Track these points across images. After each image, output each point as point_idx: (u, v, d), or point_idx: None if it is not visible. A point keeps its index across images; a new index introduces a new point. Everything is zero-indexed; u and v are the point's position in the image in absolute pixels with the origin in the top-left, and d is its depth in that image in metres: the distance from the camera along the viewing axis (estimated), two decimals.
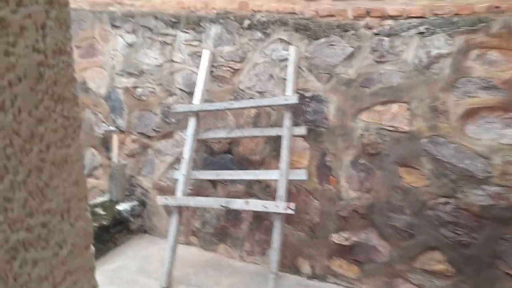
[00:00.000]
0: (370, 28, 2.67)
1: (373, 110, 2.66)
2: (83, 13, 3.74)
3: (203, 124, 3.20)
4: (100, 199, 3.59)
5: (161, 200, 2.87)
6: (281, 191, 2.63)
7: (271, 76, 2.95)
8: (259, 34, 2.96)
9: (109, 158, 3.63)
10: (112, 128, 3.46)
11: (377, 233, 2.70)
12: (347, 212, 2.78)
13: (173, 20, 3.29)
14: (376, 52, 2.64)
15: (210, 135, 3.06)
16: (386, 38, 2.61)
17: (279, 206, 2.54)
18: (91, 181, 3.86)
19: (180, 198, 2.84)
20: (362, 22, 2.69)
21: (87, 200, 0.86)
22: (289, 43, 2.87)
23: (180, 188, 2.91)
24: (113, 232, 3.30)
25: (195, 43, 3.22)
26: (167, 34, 3.32)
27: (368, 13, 2.67)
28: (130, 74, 3.51)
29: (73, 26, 3.82)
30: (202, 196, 3.30)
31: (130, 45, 3.50)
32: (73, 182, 0.80)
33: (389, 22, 2.62)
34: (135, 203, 3.52)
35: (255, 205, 2.61)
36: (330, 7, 2.77)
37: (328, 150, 2.82)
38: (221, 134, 3.01)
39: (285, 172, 2.67)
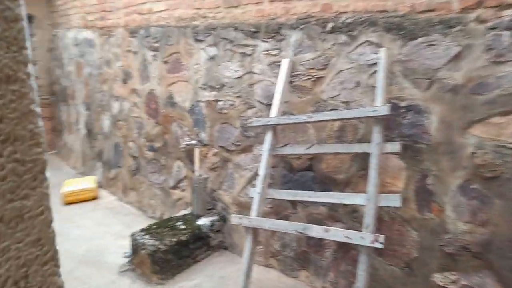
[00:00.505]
0: (483, 21, 2.14)
1: (489, 122, 2.12)
2: (169, 30, 3.81)
3: (282, 138, 2.95)
4: (182, 212, 3.58)
5: (235, 219, 2.69)
6: (369, 219, 2.24)
7: (358, 83, 2.58)
8: (344, 38, 2.62)
9: (193, 171, 3.60)
10: (193, 141, 3.42)
11: (495, 278, 2.13)
12: (454, 248, 2.25)
13: (253, 29, 3.12)
14: (492, 51, 2.09)
15: (288, 150, 2.79)
16: (505, 33, 2.06)
17: (365, 237, 2.15)
18: (177, 193, 3.89)
19: (254, 219, 2.62)
20: (472, 15, 2.17)
21: (57, 261, 0.67)
22: (379, 46, 2.47)
23: (254, 207, 2.70)
24: (192, 247, 3.23)
25: (275, 52, 3.00)
26: (246, 45, 3.17)
27: (480, 3, 2.15)
28: (212, 88, 3.44)
29: (160, 43, 3.93)
30: (281, 215, 3.05)
31: (212, 58, 3.43)
32: (33, 241, 0.62)
33: (510, 12, 2.06)
34: (215, 218, 3.42)
35: (336, 234, 2.26)
36: (429, 1, 2.31)
37: (429, 171, 2.33)
38: (300, 150, 2.73)
39: (373, 197, 2.27)
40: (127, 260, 3.24)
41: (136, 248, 3.12)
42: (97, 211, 4.39)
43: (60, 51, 6.41)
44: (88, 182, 4.80)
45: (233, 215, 2.72)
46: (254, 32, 3.13)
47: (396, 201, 2.26)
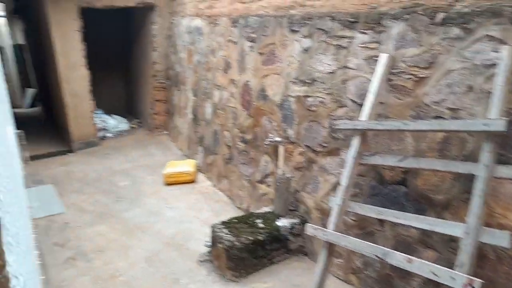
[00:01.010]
0: None
1: None
2: (267, 20, 3.68)
3: (374, 144, 2.61)
4: (264, 209, 3.50)
5: (310, 229, 2.48)
6: (464, 256, 1.83)
7: (470, 88, 2.10)
8: (456, 31, 2.15)
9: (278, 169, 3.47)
10: (277, 138, 3.28)
11: None
12: None
13: (351, 19, 2.79)
14: None
15: (378, 160, 2.45)
16: None
17: (456, 279, 1.77)
18: (263, 188, 3.82)
19: (330, 232, 2.39)
20: None
21: None
22: (502, 42, 1.96)
23: (332, 220, 2.45)
24: (269, 248, 3.13)
25: (373, 45, 2.63)
26: (343, 37, 2.86)
27: None
28: (303, 82, 3.23)
29: (257, 33, 3.82)
30: (365, 231, 2.74)
31: (306, 50, 3.20)
32: None
33: None
34: (296, 220, 3.25)
35: (421, 267, 1.91)
36: None
37: None
38: (391, 161, 2.37)
39: (473, 230, 1.84)
40: (207, 250, 3.31)
41: (214, 240, 3.15)
42: (191, 194, 4.59)
43: (176, 38, 6.82)
44: (188, 166, 5.05)
45: (309, 224, 2.52)
46: (352, 22, 2.80)
47: (504, 239, 1.80)
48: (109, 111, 8.06)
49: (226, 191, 4.52)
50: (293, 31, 3.33)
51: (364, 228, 2.75)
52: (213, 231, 3.18)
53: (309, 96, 3.16)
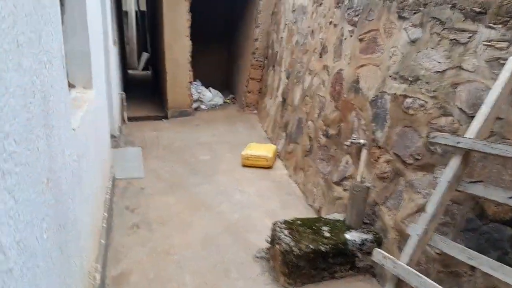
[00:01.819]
0: None
1: None
2: (373, 1, 3.19)
3: (479, 169, 2.07)
4: (335, 216, 3.14)
5: (378, 256, 2.09)
6: None
7: None
8: None
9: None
10: (361, 141, 2.85)
11: None
12: None
13: (477, 9, 2.21)
14: None
15: (480, 191, 1.93)
16: None
17: None
18: (338, 191, 3.44)
19: (402, 266, 1.97)
20: None
21: None
22: None
23: (408, 251, 2.02)
24: (331, 262, 2.79)
25: (501, 44, 2.05)
26: (462, 30, 2.29)
27: None
28: (403, 79, 2.73)
29: (361, 17, 3.36)
30: (450, 270, 2.24)
31: (413, 42, 2.68)
32: None
33: None
34: (368, 237, 2.84)
35: None
36: None
37: None
38: (499, 196, 1.83)
39: None
40: (265, 246, 3.09)
41: (273, 239, 2.91)
42: (264, 181, 4.40)
43: (280, 16, 6.55)
44: (267, 151, 4.86)
45: (378, 250, 2.13)
46: (478, 13, 2.22)
47: None
48: (207, 84, 8.22)
49: (300, 184, 4.23)
50: (402, 18, 2.81)
51: (449, 267, 2.24)
52: (273, 229, 2.94)
53: (408, 96, 2.66)
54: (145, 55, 12.24)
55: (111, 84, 4.92)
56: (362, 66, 3.28)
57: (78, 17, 2.69)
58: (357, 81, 3.32)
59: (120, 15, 10.39)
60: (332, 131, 3.68)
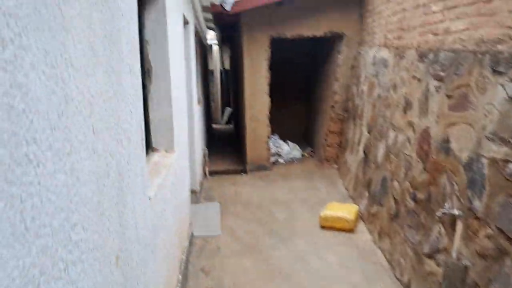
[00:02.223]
0: None
1: None
2: (463, 55, 2.94)
3: None
4: None
5: None
6: None
7: None
8: None
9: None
10: (455, 211, 2.51)
11: None
12: None
13: None
14: None
15: None
16: None
17: None
18: (431, 265, 3.04)
19: None
20: None
21: None
22: None
23: None
24: None
25: None
26: None
27: None
28: (503, 141, 2.39)
29: (448, 71, 3.11)
30: None
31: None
32: None
33: None
34: None
35: None
36: None
37: None
38: None
39: None
40: None
41: None
42: (346, 246, 4.10)
43: (360, 69, 6.45)
44: (348, 212, 4.58)
45: None
46: None
47: None
48: (285, 137, 8.26)
49: (386, 252, 3.85)
50: (497, 72, 2.53)
51: None
52: None
53: (511, 162, 2.31)
54: (228, 110, 12.87)
55: (193, 141, 5.15)
56: (452, 124, 2.98)
57: (163, 89, 2.88)
58: (447, 141, 3.01)
59: (206, 74, 11.18)
60: (420, 195, 3.34)
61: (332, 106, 7.14)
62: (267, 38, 6.66)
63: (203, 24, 7.67)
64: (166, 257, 2.56)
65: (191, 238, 4.12)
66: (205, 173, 6.58)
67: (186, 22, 4.73)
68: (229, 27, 8.11)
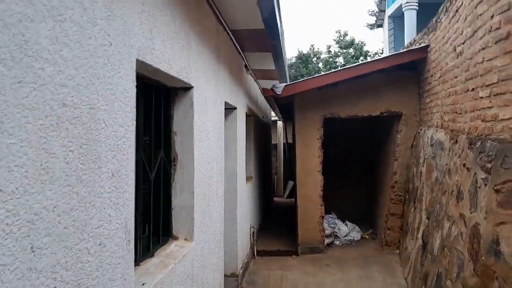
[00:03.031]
0: None
1: None
2: (509, 147, 2.62)
3: None
4: None
5: None
6: None
7: None
8: None
9: None
10: None
11: None
12: None
13: None
14: None
15: None
16: None
17: None
18: None
19: None
20: None
21: None
22: None
23: None
24: None
25: None
26: None
27: None
28: None
29: (495, 163, 2.78)
30: None
31: None
32: None
33: None
34: None
35: None
36: None
37: None
38: None
39: None
40: None
41: None
42: None
43: (419, 149, 6.09)
44: None
45: None
46: None
47: None
48: (344, 217, 7.84)
49: None
50: None
51: None
52: None
53: None
54: (290, 184, 12.77)
55: (236, 221, 5.10)
56: (501, 223, 2.58)
57: (186, 177, 2.95)
58: (496, 242, 2.60)
59: (268, 149, 11.39)
60: None
61: (392, 187, 6.71)
62: (319, 118, 6.67)
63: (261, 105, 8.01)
64: None
65: None
66: (253, 253, 6.40)
67: (233, 108, 4.97)
68: (286, 106, 8.34)
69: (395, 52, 7.15)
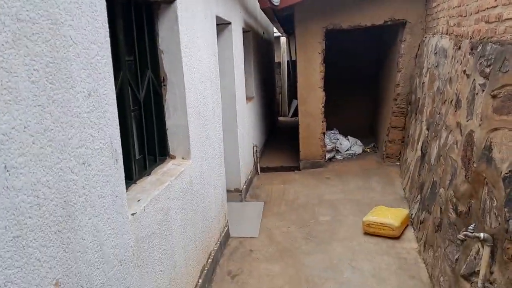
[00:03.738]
0: None
1: None
2: (509, 49, 2.49)
3: None
4: None
5: None
6: None
7: None
8: None
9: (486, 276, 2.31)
10: (480, 235, 2.15)
11: None
12: None
13: None
14: None
15: None
16: None
17: None
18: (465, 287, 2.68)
19: None
20: None
21: None
22: None
23: None
24: None
25: None
26: None
27: None
28: None
29: (493, 67, 2.67)
30: None
31: None
32: None
33: None
34: None
35: None
36: None
37: None
38: None
39: None
40: None
41: None
42: (386, 256, 3.80)
43: (423, 59, 5.88)
44: (395, 217, 4.23)
45: None
46: None
47: None
48: (347, 132, 7.90)
49: (429, 266, 3.48)
50: None
51: None
52: None
53: None
54: (295, 102, 12.68)
55: (237, 140, 5.16)
56: (495, 129, 2.56)
57: (178, 97, 2.91)
58: (489, 148, 2.60)
59: (271, 67, 11.12)
60: (461, 207, 2.94)
61: (395, 99, 6.63)
62: (320, 30, 6.38)
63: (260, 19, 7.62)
64: (174, 266, 2.61)
65: (226, 239, 4.16)
66: (256, 170, 6.59)
67: (226, 23, 4.73)
68: (287, 20, 7.93)
69: None
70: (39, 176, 1.30)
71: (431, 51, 5.45)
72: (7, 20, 1.15)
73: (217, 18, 4.07)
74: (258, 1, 5.77)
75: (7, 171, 1.16)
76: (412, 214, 4.52)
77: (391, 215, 4.29)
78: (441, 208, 3.47)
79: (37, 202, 1.29)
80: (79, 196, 1.53)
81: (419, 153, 5.13)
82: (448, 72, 4.27)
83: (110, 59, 1.80)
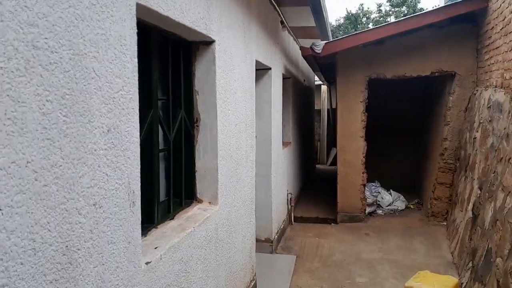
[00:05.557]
0: None
1: None
2: None
3: None
4: None
5: None
6: None
7: None
8: None
9: None
10: None
11: None
12: None
13: None
14: None
15: None
16: None
17: None
18: None
19: None
20: None
21: None
22: None
23: None
24: None
25: None
26: None
27: None
28: None
29: None
30: None
31: None
32: None
33: None
34: None
35: None
36: None
37: None
38: None
39: None
40: None
41: None
42: None
43: (474, 113, 5.52)
44: (441, 286, 3.76)
45: None
46: None
47: None
48: (387, 185, 7.46)
49: None
50: None
51: None
52: None
53: None
54: (334, 151, 12.39)
55: (270, 187, 4.96)
56: None
57: (209, 139, 2.80)
58: None
59: (311, 113, 11.03)
60: None
61: (441, 154, 6.21)
62: (363, 79, 6.23)
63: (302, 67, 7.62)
64: None
65: None
66: (290, 220, 6.28)
67: (266, 68, 4.70)
68: (328, 68, 7.89)
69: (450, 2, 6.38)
70: (38, 217, 1.16)
71: (483, 104, 5.11)
72: (21, 47, 1.07)
73: (257, 62, 4.03)
74: (300, 48, 5.77)
75: (0, 210, 1.03)
76: (462, 283, 4.01)
77: (437, 283, 3.81)
78: (498, 282, 3.02)
79: (32, 247, 1.15)
80: (85, 241, 1.38)
81: (470, 214, 4.65)
82: (504, 128, 3.93)
83: (137, 95, 1.71)
